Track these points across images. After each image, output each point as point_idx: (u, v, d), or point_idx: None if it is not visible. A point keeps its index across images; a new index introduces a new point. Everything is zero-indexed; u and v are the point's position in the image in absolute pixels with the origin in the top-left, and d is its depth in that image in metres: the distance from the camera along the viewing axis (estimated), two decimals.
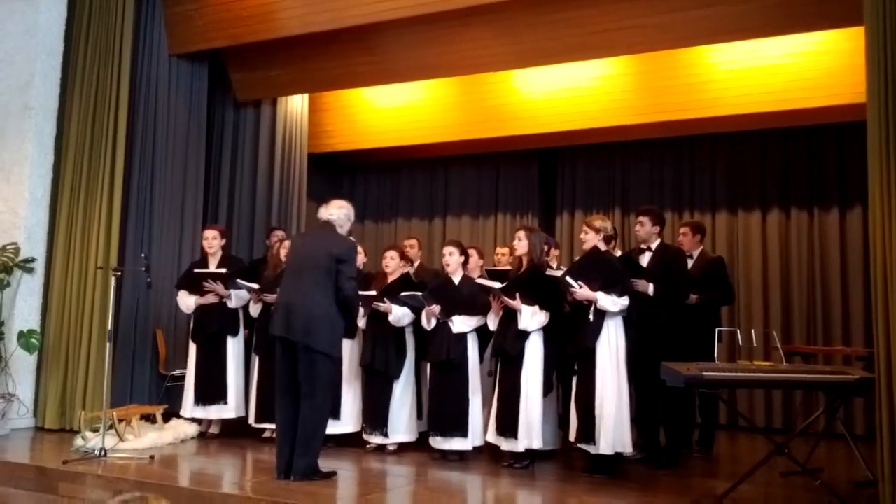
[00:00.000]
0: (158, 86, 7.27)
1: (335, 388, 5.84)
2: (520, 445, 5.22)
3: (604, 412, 4.94)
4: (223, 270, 6.25)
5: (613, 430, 4.93)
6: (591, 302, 5.04)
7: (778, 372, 4.62)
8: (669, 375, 4.40)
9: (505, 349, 5.34)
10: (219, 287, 6.20)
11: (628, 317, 5.15)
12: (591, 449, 4.98)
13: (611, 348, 5.03)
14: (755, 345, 5.38)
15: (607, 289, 5.03)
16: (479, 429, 5.58)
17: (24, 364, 6.54)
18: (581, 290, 5.03)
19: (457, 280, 5.78)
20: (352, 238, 5.32)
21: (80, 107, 6.84)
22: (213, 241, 6.41)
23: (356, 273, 5.09)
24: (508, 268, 6.11)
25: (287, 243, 6.12)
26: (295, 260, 5.03)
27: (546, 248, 5.81)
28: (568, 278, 5.06)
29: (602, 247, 5.27)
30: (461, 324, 5.62)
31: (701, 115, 7.21)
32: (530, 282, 5.31)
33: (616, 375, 5.01)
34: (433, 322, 5.69)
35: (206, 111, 7.79)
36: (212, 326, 6.27)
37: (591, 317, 5.04)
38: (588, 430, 4.98)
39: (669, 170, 8.39)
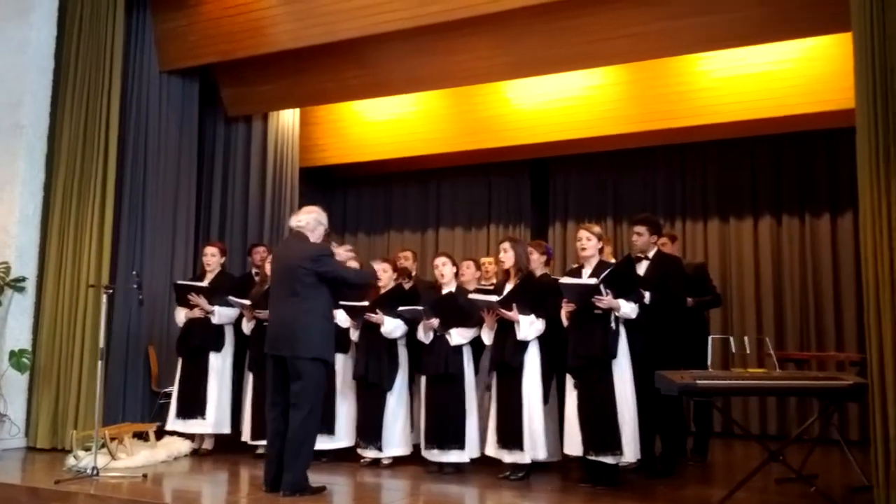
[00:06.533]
0: (149, 102, 7.27)
1: (327, 401, 5.81)
2: (526, 457, 5.20)
3: (625, 420, 4.93)
4: (204, 284, 6.29)
5: (633, 438, 4.94)
6: (611, 310, 5.00)
7: (772, 379, 4.61)
8: (663, 384, 4.39)
9: (505, 361, 5.31)
10: (202, 301, 6.22)
11: (637, 324, 5.14)
12: (611, 459, 4.92)
13: (625, 356, 5.05)
14: (748, 352, 5.37)
15: (626, 296, 5.01)
16: (475, 441, 5.57)
17: (15, 384, 6.49)
18: (607, 298, 4.98)
19: (451, 291, 5.75)
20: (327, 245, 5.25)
21: (70, 124, 6.81)
22: (211, 258, 6.45)
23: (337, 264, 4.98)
24: (477, 286, 6.06)
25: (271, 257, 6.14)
26: (275, 274, 5.04)
27: (545, 257, 5.80)
28: (602, 286, 4.97)
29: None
30: (458, 336, 5.59)
31: (691, 124, 7.25)
32: (524, 291, 5.30)
33: (630, 382, 5.02)
34: (430, 335, 5.68)
35: (197, 127, 7.78)
36: (194, 340, 6.28)
37: (612, 325, 5.00)
38: (607, 439, 4.91)
39: (661, 178, 8.42)
